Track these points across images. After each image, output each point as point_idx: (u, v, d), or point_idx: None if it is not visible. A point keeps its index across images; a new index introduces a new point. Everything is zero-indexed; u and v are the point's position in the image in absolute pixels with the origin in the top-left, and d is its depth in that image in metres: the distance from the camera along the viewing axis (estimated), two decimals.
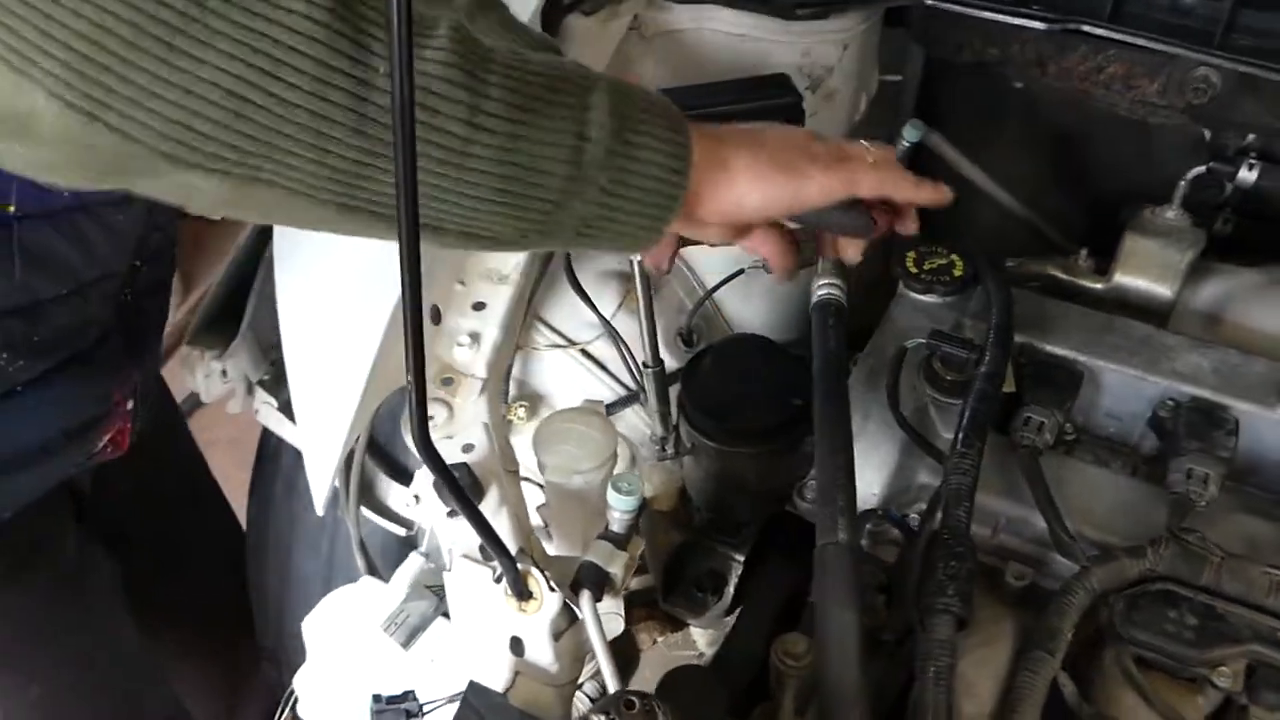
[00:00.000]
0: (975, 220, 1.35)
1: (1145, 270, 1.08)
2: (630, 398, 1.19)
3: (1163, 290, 1.08)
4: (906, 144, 1.14)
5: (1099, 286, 1.10)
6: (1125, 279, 1.09)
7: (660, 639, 1.15)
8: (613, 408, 1.19)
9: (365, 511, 1.19)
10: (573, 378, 1.20)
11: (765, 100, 1.08)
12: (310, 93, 0.53)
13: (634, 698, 0.64)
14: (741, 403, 1.08)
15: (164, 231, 1.05)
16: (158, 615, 1.34)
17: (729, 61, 1.13)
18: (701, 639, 1.29)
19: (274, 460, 1.34)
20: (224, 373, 1.14)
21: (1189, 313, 1.11)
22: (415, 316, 0.59)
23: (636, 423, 1.19)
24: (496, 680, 0.77)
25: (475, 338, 0.93)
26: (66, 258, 0.91)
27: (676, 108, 0.70)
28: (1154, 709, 0.79)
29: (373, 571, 1.17)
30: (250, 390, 1.17)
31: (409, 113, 0.54)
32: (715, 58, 1.14)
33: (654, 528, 1.17)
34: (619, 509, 0.77)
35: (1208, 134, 1.26)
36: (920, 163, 1.31)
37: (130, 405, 1.06)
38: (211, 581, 1.47)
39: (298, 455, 1.28)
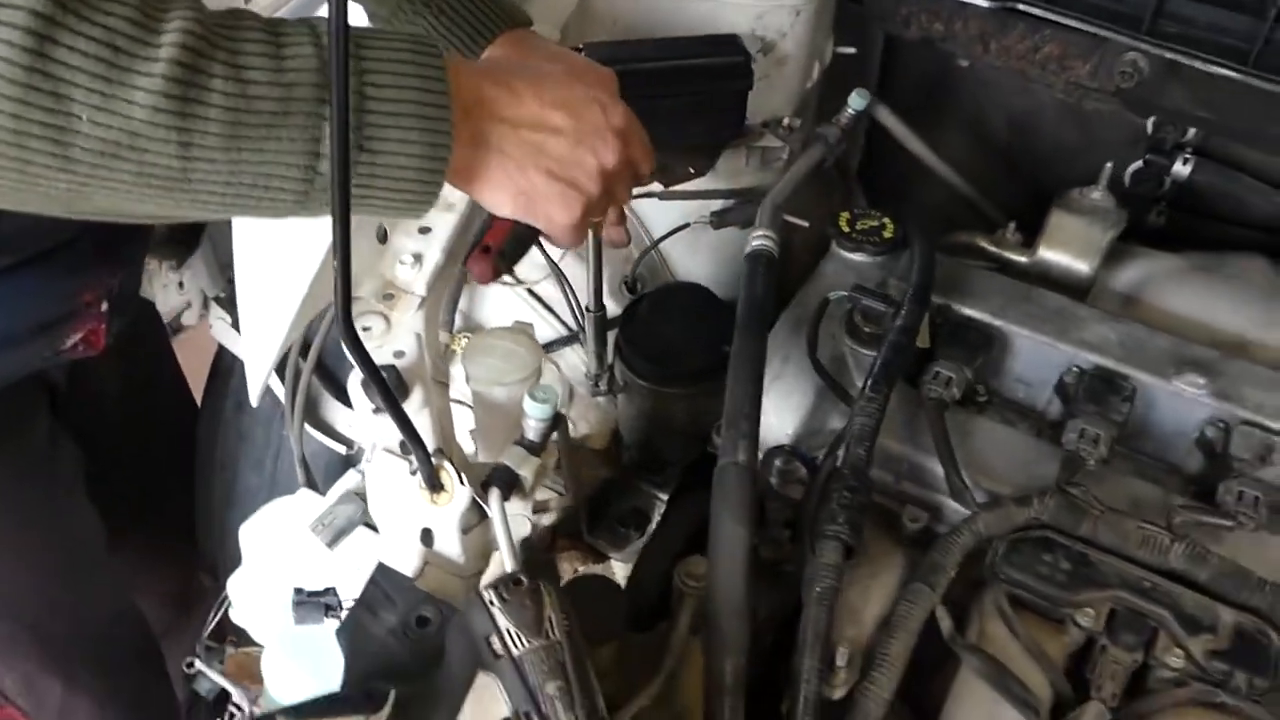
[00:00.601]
0: (917, 194, 1.41)
1: (1068, 246, 1.13)
2: (570, 338, 1.24)
3: (1082, 266, 1.12)
4: (852, 111, 1.19)
5: (1023, 260, 1.15)
6: (1048, 253, 1.14)
7: (581, 568, 1.19)
8: (553, 346, 1.24)
9: (309, 429, 1.23)
10: (518, 314, 1.24)
11: (714, 57, 1.13)
12: (10, 142, 0.56)
13: (523, 577, 0.68)
14: (674, 346, 1.13)
15: None
16: (120, 517, 1.38)
17: (686, 22, 1.17)
18: (621, 572, 1.34)
19: (225, 378, 1.38)
20: (180, 285, 1.17)
21: (1108, 291, 1.16)
22: (344, 216, 0.64)
23: (576, 362, 1.24)
24: (407, 568, 0.82)
25: (418, 258, 0.97)
26: None
27: (445, 96, 0.67)
28: (1019, 641, 0.84)
29: (312, 486, 1.21)
30: (205, 305, 1.21)
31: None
32: (673, 17, 1.18)
33: (583, 463, 1.22)
34: (534, 416, 0.82)
35: (1149, 126, 1.31)
36: (868, 134, 1.36)
37: (104, 307, 1.10)
38: (174, 496, 1.51)
39: (244, 374, 1.33)
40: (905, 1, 1.16)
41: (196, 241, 1.17)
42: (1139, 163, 1.31)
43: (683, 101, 1.13)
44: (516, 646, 0.66)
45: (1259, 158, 1.27)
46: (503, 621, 0.67)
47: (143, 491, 1.46)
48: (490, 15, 0.97)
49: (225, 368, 1.38)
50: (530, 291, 1.25)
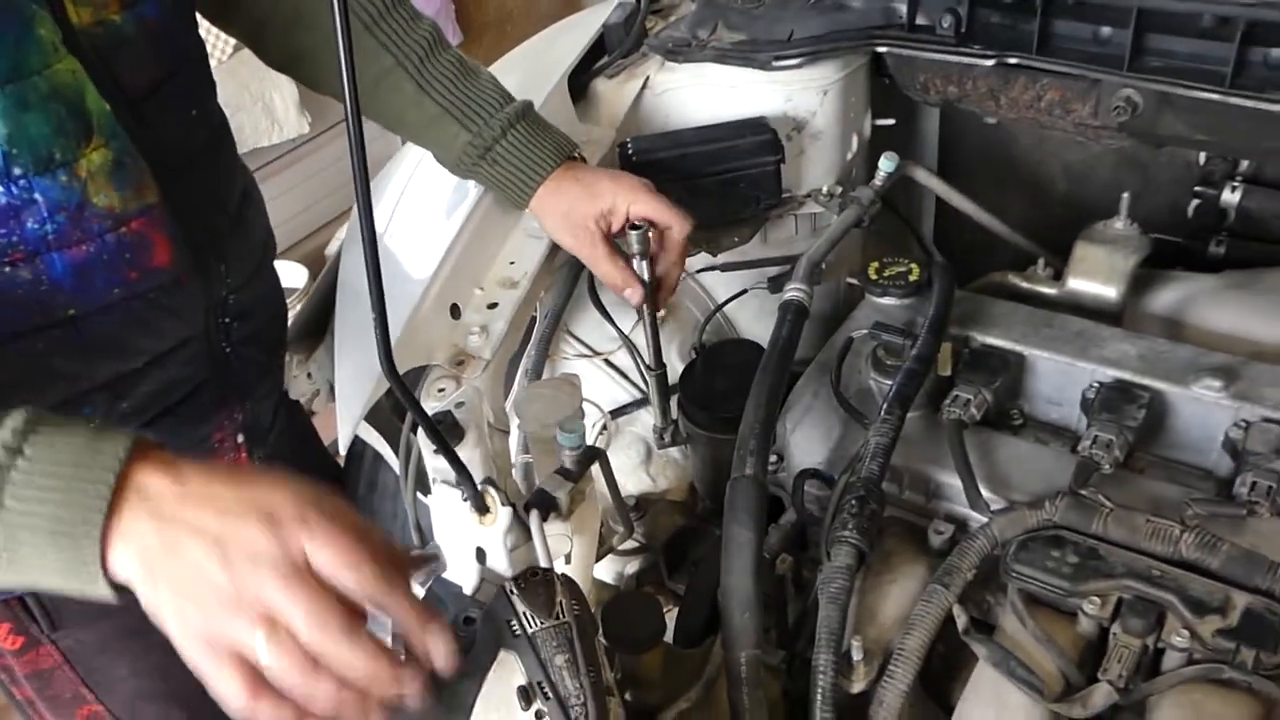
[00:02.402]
0: (977, 245, 1.48)
1: (1094, 274, 1.18)
2: (643, 400, 1.36)
3: (1110, 292, 1.17)
4: (884, 173, 1.29)
5: (1053, 291, 1.21)
6: (1076, 283, 1.19)
7: (666, 611, 1.29)
8: (628, 408, 1.37)
9: (421, 497, 1.39)
10: (597, 383, 1.38)
11: (744, 138, 1.27)
12: None
13: (538, 570, 0.80)
14: (728, 396, 1.24)
15: (240, 293, 1.08)
16: None
17: (724, 109, 1.32)
18: None
19: (357, 461, 1.56)
20: (309, 375, 1.37)
21: (1148, 316, 1.21)
22: (376, 275, 0.79)
23: (649, 421, 1.36)
24: (467, 585, 0.95)
25: (484, 329, 1.13)
26: (135, 340, 0.97)
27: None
28: (1026, 631, 0.89)
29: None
30: (331, 392, 1.40)
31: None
32: (713, 107, 1.33)
33: (660, 513, 1.33)
34: (565, 445, 0.94)
35: (1201, 160, 1.36)
36: (895, 195, 1.46)
37: (240, 439, 1.14)
38: None
39: (376, 455, 1.51)
40: (921, 69, 1.27)
41: (323, 334, 1.36)
42: (1196, 200, 1.36)
43: (721, 180, 1.27)
44: (531, 625, 0.78)
45: None
46: (519, 605, 0.79)
47: None
48: (540, 158, 1.13)
49: (356, 452, 1.57)
50: (607, 361, 1.39)
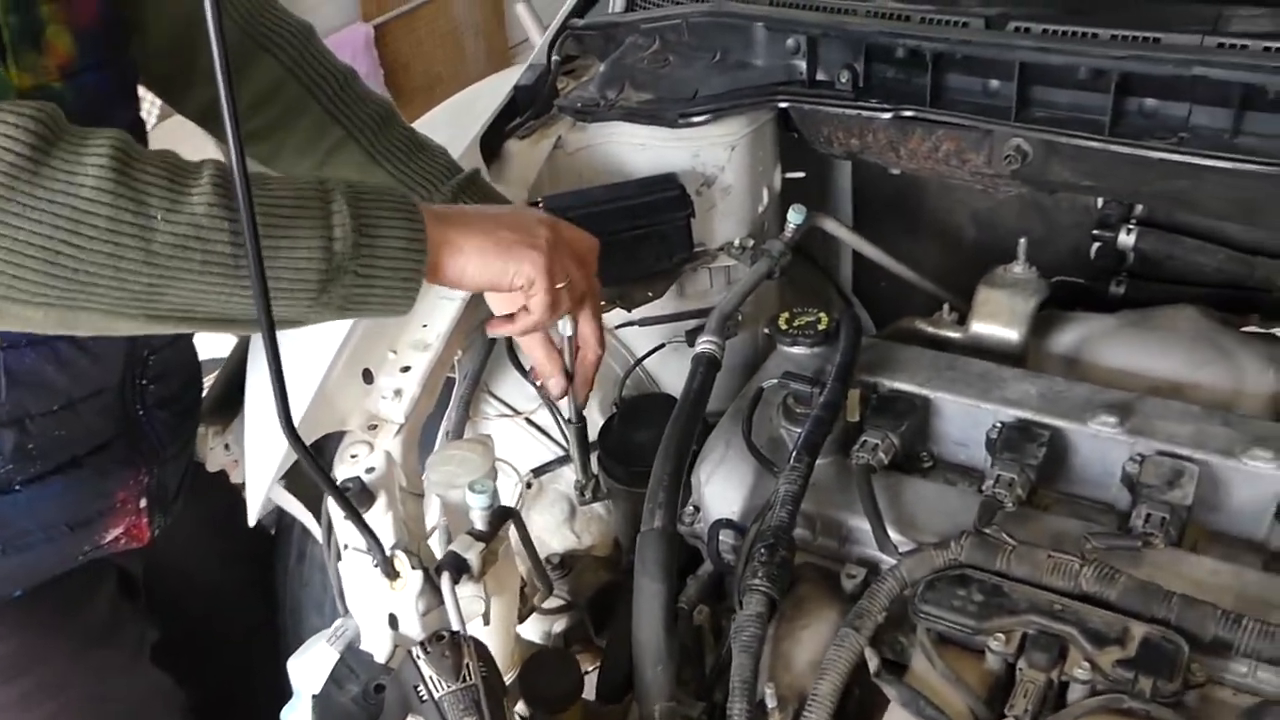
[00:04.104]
0: (890, 294, 1.52)
1: (996, 317, 1.22)
2: (565, 457, 1.37)
3: (1011, 334, 1.21)
4: (793, 225, 1.32)
5: (958, 335, 1.24)
6: (979, 326, 1.23)
7: (593, 668, 1.28)
8: (550, 466, 1.37)
9: None
10: (519, 442, 1.39)
11: (653, 194, 1.29)
12: (105, 240, 0.77)
13: (445, 633, 0.80)
14: (646, 449, 1.24)
15: (161, 354, 1.15)
16: (188, 688, 1.50)
17: (634, 167, 1.35)
18: None
19: (286, 532, 1.55)
20: (226, 446, 1.36)
21: (1050, 357, 1.24)
22: (272, 341, 0.79)
23: (573, 478, 1.36)
24: (380, 652, 0.94)
25: (398, 393, 1.13)
26: (53, 379, 1.02)
27: (412, 201, 0.89)
28: (935, 671, 0.90)
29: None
30: None
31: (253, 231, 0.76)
32: (623, 165, 1.36)
33: (585, 570, 1.33)
34: (475, 506, 0.95)
35: (1099, 204, 1.41)
36: (812, 246, 1.49)
37: (143, 504, 1.17)
38: (244, 671, 1.63)
39: (304, 526, 1.50)
40: (824, 123, 1.31)
41: (239, 406, 1.35)
42: (1097, 243, 1.41)
43: (632, 235, 1.29)
44: (438, 690, 0.77)
45: (1198, 220, 1.35)
46: (426, 670, 0.78)
47: (232, 646, 1.60)
48: (443, 167, 1.18)
49: (286, 524, 1.55)
50: (529, 420, 1.40)
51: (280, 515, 1.60)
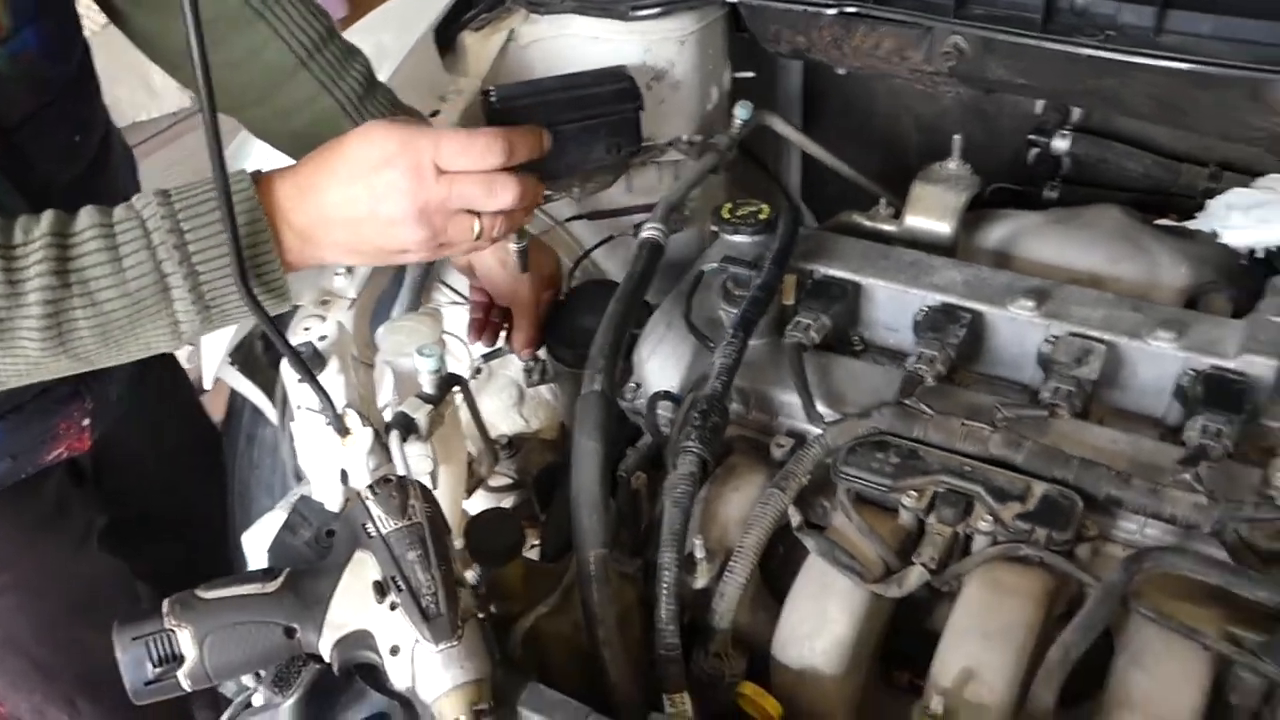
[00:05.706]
0: (828, 193, 1.56)
1: (929, 211, 1.27)
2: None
3: (943, 227, 1.26)
4: (739, 120, 1.36)
5: (893, 228, 1.29)
6: (913, 220, 1.28)
7: (537, 544, 1.34)
8: (499, 352, 1.42)
9: None
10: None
11: (604, 85, 1.32)
12: None
13: (392, 476, 0.85)
14: (591, 335, 1.29)
15: None
16: (162, 559, 1.55)
17: (586, 60, 1.37)
18: None
19: (237, 416, 1.59)
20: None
21: (980, 250, 1.30)
22: (229, 209, 0.82)
23: (520, 365, 1.41)
24: (332, 506, 0.99)
25: (350, 270, 1.17)
26: None
27: (264, 238, 0.87)
28: (852, 525, 0.97)
29: None
30: None
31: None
32: (575, 58, 1.39)
33: (532, 451, 1.38)
34: (424, 370, 0.99)
35: (1038, 108, 1.46)
36: (760, 148, 1.53)
37: (85, 423, 1.23)
38: (198, 551, 1.67)
39: (254, 410, 1.54)
40: (771, 19, 1.34)
41: None
42: (1036, 149, 1.46)
43: (581, 125, 1.32)
44: (384, 527, 0.82)
45: (1132, 125, 1.40)
46: (374, 509, 0.83)
47: (182, 530, 1.64)
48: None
49: (237, 407, 1.59)
50: None
51: (231, 398, 1.64)
